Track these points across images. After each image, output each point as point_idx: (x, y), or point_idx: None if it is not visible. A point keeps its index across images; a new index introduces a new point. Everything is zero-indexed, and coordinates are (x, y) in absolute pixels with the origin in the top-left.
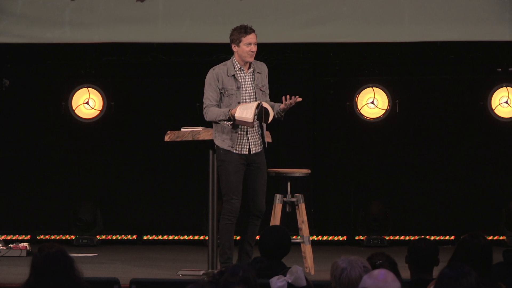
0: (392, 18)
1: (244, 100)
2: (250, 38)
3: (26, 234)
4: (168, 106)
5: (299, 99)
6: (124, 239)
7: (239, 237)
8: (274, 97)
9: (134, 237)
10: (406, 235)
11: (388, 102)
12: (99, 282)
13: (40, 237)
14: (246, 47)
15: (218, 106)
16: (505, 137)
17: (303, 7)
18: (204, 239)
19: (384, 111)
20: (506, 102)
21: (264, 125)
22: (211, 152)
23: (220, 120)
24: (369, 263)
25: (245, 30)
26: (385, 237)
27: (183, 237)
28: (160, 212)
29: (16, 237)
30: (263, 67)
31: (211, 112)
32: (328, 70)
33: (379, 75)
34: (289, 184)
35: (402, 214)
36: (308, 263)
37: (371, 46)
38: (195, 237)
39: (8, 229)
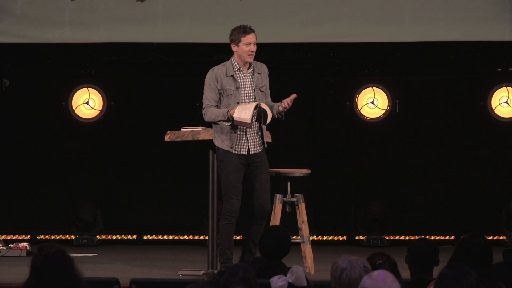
0: (392, 18)
1: (243, 101)
2: (250, 38)
3: (26, 234)
4: (168, 106)
5: (294, 96)
6: (124, 239)
7: (239, 237)
8: (274, 97)
9: (134, 237)
10: (406, 235)
11: (388, 102)
12: (99, 282)
13: (40, 237)
14: (246, 47)
15: (218, 106)
16: (505, 137)
17: (303, 7)
18: (204, 239)
19: (384, 111)
20: (506, 102)
21: (264, 126)
22: (211, 152)
23: (219, 121)
24: (369, 263)
25: (244, 30)
26: (385, 237)
27: (183, 237)
28: (160, 212)
29: (16, 237)
30: (263, 68)
31: (210, 112)
32: (328, 70)
33: (379, 75)
34: (289, 184)
35: (402, 214)
36: (308, 263)
37: (371, 46)
38: (195, 237)
39: (8, 229)
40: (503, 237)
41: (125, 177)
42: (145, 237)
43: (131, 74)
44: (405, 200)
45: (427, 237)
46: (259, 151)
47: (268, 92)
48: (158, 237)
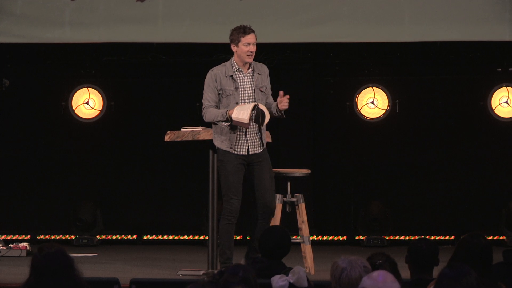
0: (392, 18)
1: (242, 101)
2: (249, 38)
3: (26, 234)
4: (168, 106)
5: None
6: (124, 239)
7: (239, 237)
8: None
9: (134, 237)
10: (406, 235)
11: (388, 102)
12: (99, 282)
13: (40, 237)
14: (245, 47)
15: (217, 107)
16: (505, 137)
17: (303, 7)
18: (204, 239)
19: (384, 111)
20: (506, 102)
21: (264, 126)
22: (211, 152)
23: (218, 121)
24: (369, 263)
25: (243, 30)
26: (385, 237)
27: (183, 237)
28: (160, 212)
29: (16, 237)
30: (263, 68)
31: (209, 113)
32: (328, 70)
33: (379, 75)
34: (289, 184)
35: (402, 214)
36: (308, 263)
37: (371, 46)
38: (195, 237)
39: (8, 229)
40: (503, 237)
41: (125, 177)
42: (145, 237)
43: (131, 74)
44: (405, 200)
45: (427, 237)
46: (259, 151)
47: (270, 92)
48: (158, 237)
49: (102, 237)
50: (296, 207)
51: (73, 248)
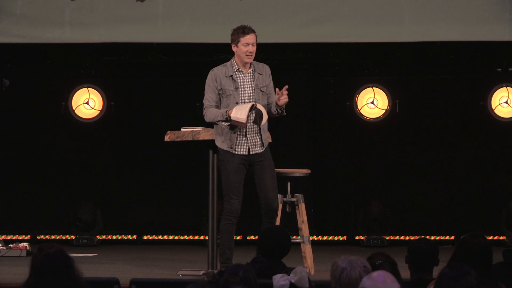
0: (392, 18)
1: (242, 101)
2: (248, 38)
3: (26, 234)
4: (168, 106)
5: (286, 87)
6: (124, 239)
7: (239, 237)
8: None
9: (134, 237)
10: (406, 235)
11: (388, 102)
12: (99, 282)
13: (40, 237)
14: (244, 47)
15: (218, 107)
16: (505, 137)
17: (303, 7)
18: (204, 239)
19: (384, 111)
20: (506, 102)
21: (265, 126)
22: (211, 152)
23: (218, 121)
24: (369, 263)
25: (243, 30)
26: (385, 237)
27: (183, 237)
28: (160, 212)
29: (16, 237)
30: (264, 68)
31: (210, 113)
32: (328, 70)
33: (379, 75)
34: (289, 184)
35: (402, 214)
36: (308, 263)
37: (371, 46)
38: (195, 237)
39: (8, 229)
40: (503, 237)
41: (125, 177)
42: (145, 237)
43: (131, 74)
44: (405, 200)
45: (427, 237)
46: (260, 151)
47: (272, 92)
48: (158, 237)
49: (102, 237)
50: (296, 207)
51: (73, 248)
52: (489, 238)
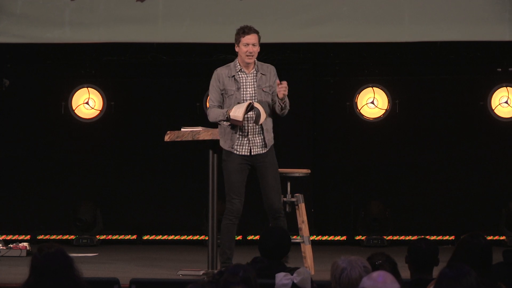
0: (392, 18)
1: (244, 101)
2: (248, 38)
3: (26, 234)
4: (168, 106)
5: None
6: (124, 239)
7: (239, 237)
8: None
9: (134, 237)
10: (406, 235)
11: (388, 102)
12: (99, 282)
13: (40, 237)
14: (244, 47)
15: (221, 107)
16: (505, 137)
17: (303, 7)
18: (204, 239)
19: (384, 111)
20: (506, 102)
21: (269, 126)
22: (211, 152)
23: (220, 121)
24: (369, 263)
25: (243, 30)
26: (385, 237)
27: (183, 237)
28: (160, 212)
29: (16, 237)
30: (269, 69)
31: (212, 112)
32: (328, 70)
33: (379, 75)
34: (289, 184)
35: (402, 214)
36: (308, 263)
37: (371, 46)
38: (195, 237)
39: (8, 229)
40: (503, 237)
41: (125, 177)
42: (145, 237)
43: (131, 74)
44: (405, 200)
45: (427, 237)
46: (262, 152)
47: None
48: (158, 237)
49: (102, 237)
50: (296, 207)
51: (73, 248)
52: (489, 238)
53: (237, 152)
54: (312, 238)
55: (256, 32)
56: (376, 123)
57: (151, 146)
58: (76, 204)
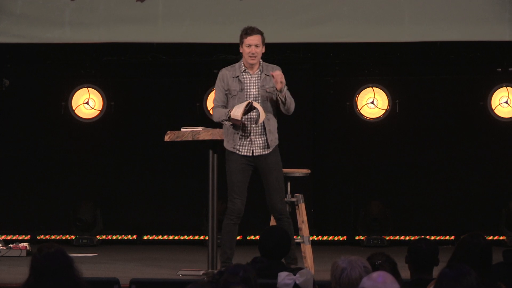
0: (392, 18)
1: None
2: (250, 39)
3: (26, 234)
4: (168, 106)
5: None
6: (124, 239)
7: (239, 237)
8: None
9: (134, 237)
10: (406, 235)
11: (388, 102)
12: (99, 282)
13: (40, 237)
14: (247, 48)
15: (225, 107)
16: (505, 137)
17: (303, 7)
18: (204, 239)
19: (384, 111)
20: (506, 102)
21: (272, 127)
22: (211, 152)
23: (222, 120)
24: (369, 263)
25: (246, 31)
26: (385, 237)
27: (183, 237)
28: (160, 212)
29: (16, 237)
30: (274, 70)
31: (216, 112)
32: (328, 70)
33: (379, 75)
34: (289, 184)
35: (402, 214)
36: (308, 263)
37: (371, 46)
38: (195, 237)
39: (8, 229)
40: (503, 237)
41: (125, 177)
42: (145, 237)
43: (131, 74)
44: (405, 200)
45: (427, 237)
46: (264, 153)
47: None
48: (158, 237)
49: (102, 237)
50: (296, 207)
51: (73, 248)
52: (489, 238)
53: (239, 153)
54: (312, 238)
55: (260, 33)
56: (376, 123)
57: (151, 146)
58: (76, 204)
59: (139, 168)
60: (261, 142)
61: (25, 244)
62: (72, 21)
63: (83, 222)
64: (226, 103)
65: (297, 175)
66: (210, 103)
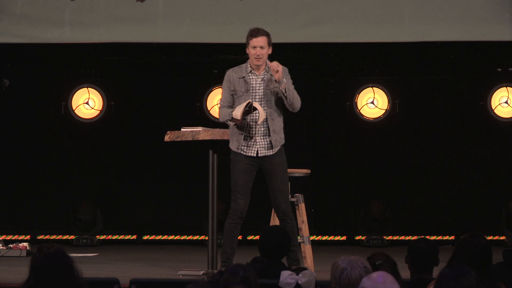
0: (392, 18)
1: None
2: (255, 41)
3: (26, 234)
4: (168, 106)
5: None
6: (124, 239)
7: (239, 237)
8: None
9: (134, 237)
10: (406, 235)
11: (388, 102)
12: (99, 282)
13: (40, 237)
14: (252, 50)
15: (231, 107)
16: (505, 137)
17: (303, 7)
18: (204, 239)
19: (384, 111)
20: (506, 102)
21: (276, 127)
22: (211, 152)
23: (226, 121)
24: (369, 263)
25: (251, 33)
26: (385, 237)
27: (183, 237)
28: (160, 212)
29: (16, 237)
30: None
31: (221, 112)
32: (328, 70)
33: (379, 75)
34: (289, 184)
35: (402, 214)
36: (308, 263)
37: (371, 46)
38: (195, 237)
39: (8, 229)
40: (503, 237)
41: (125, 177)
42: (145, 237)
43: (131, 74)
44: (405, 200)
45: (427, 237)
46: (269, 153)
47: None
48: (158, 237)
49: (102, 237)
50: (296, 207)
51: (73, 248)
52: (489, 238)
53: (244, 153)
54: (312, 238)
55: (265, 34)
56: (376, 123)
57: (151, 146)
58: (76, 204)
59: (139, 168)
60: (265, 143)
61: (25, 244)
62: (72, 21)
63: (83, 222)
64: (232, 103)
65: (297, 175)
66: (210, 103)
